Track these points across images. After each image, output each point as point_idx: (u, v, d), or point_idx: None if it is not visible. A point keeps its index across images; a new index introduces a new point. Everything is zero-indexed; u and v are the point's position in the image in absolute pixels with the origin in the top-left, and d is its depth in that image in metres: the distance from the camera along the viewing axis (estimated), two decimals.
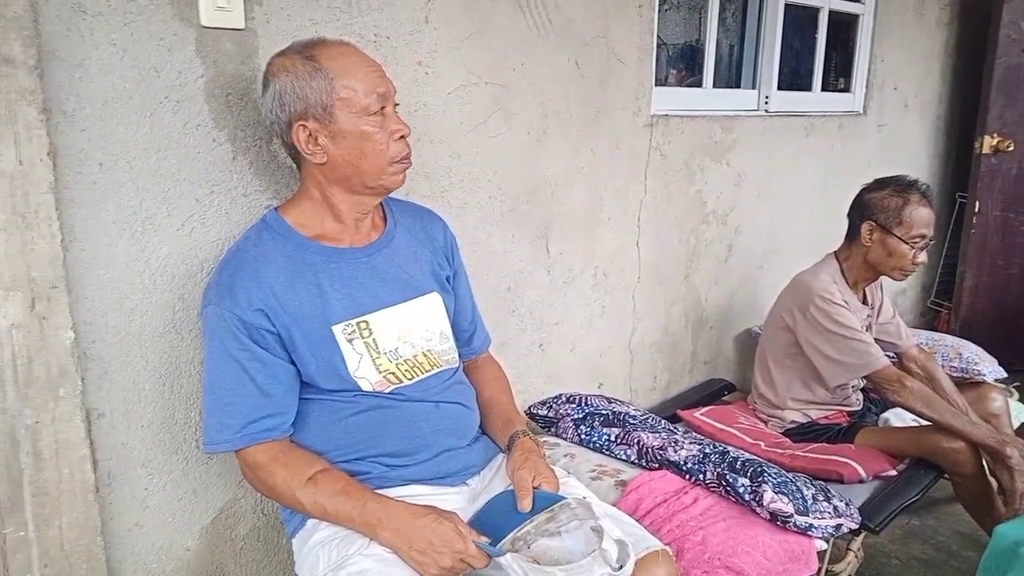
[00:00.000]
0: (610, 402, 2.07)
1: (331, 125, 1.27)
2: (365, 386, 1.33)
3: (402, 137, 1.32)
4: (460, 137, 1.82)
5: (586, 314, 2.32)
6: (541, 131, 2.01)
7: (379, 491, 1.30)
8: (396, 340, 1.37)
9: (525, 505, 1.26)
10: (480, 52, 1.80)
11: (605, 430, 1.92)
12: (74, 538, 1.30)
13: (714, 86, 2.65)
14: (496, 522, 1.27)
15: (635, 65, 2.21)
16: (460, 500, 1.38)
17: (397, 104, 1.34)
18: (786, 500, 1.62)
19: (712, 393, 2.71)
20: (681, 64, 3.13)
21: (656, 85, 2.32)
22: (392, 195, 1.43)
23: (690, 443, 1.84)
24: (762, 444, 2.17)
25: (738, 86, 2.93)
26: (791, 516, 1.60)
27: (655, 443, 1.84)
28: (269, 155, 1.47)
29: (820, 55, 3.07)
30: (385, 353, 1.35)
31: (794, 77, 3.07)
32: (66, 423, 1.26)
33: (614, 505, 1.61)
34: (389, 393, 1.36)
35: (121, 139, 1.28)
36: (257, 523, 1.61)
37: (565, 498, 1.27)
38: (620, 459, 1.87)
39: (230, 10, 1.34)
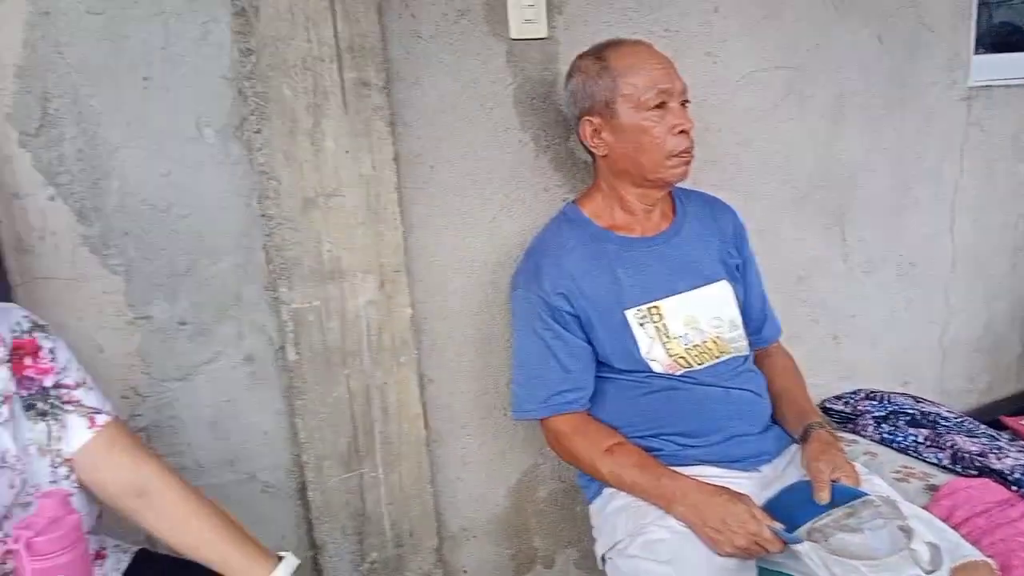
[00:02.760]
0: (918, 401, 1.83)
1: (612, 120, 1.30)
2: (656, 368, 1.33)
3: (682, 132, 1.30)
4: (749, 124, 1.73)
5: (888, 307, 2.08)
6: (837, 113, 1.83)
7: (672, 468, 1.29)
8: (685, 326, 1.35)
9: (823, 497, 1.16)
10: (772, 36, 1.70)
11: (912, 431, 1.71)
12: (410, 483, 1.48)
13: None
14: (790, 511, 1.18)
15: (949, 33, 1.93)
16: (751, 486, 1.31)
17: (688, 101, 1.31)
18: None
19: None
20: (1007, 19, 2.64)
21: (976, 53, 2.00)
22: (680, 185, 1.40)
23: (1017, 451, 1.57)
24: None
25: None
26: None
27: (972, 448, 1.59)
28: (567, 152, 1.54)
29: None
30: (675, 338, 1.34)
31: None
32: (405, 385, 1.43)
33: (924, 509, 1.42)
34: (680, 376, 1.34)
35: (447, 144, 1.42)
36: (555, 488, 1.68)
37: (867, 494, 1.15)
38: (929, 462, 1.65)
39: (536, 22, 1.42)
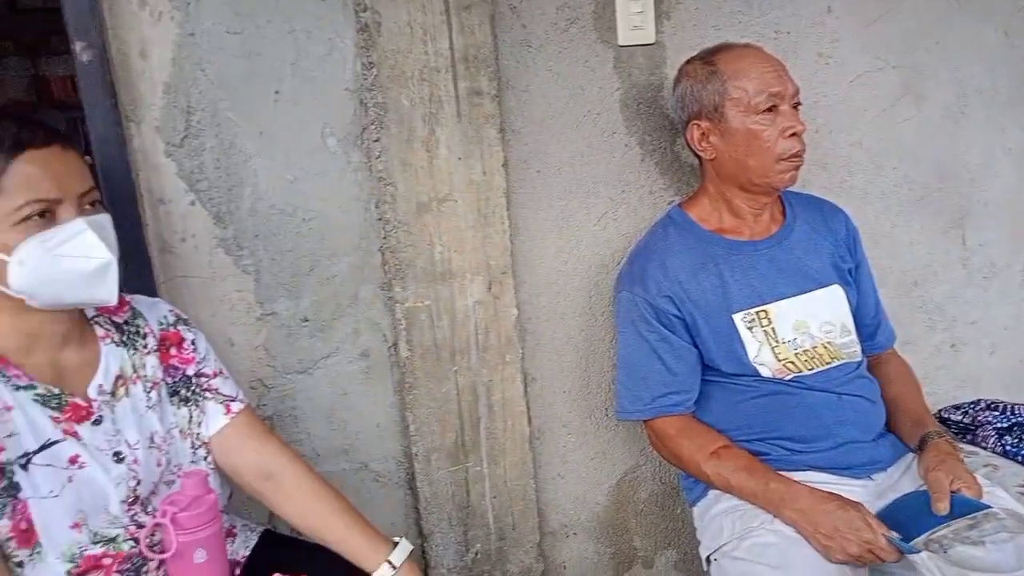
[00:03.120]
0: None
1: (721, 124, 1.29)
2: (764, 372, 1.31)
3: (794, 134, 1.27)
4: (862, 125, 1.67)
5: (1012, 313, 1.95)
6: (958, 112, 1.74)
7: (780, 473, 1.26)
8: (794, 331, 1.32)
9: (942, 508, 1.11)
10: (887, 35, 1.63)
11: None
12: (514, 478, 1.51)
13: None
14: (905, 521, 1.14)
15: None
16: (864, 494, 1.27)
17: (799, 104, 1.29)
18: None
19: None
20: None
21: None
22: (790, 188, 1.37)
23: None
24: None
25: None
26: None
27: None
28: (672, 156, 1.53)
29: None
30: (784, 342, 1.31)
31: None
32: (510, 383, 1.46)
33: None
34: (789, 380, 1.31)
35: (554, 150, 1.44)
36: (656, 489, 1.68)
37: (991, 507, 1.10)
38: None
39: (644, 28, 1.42)
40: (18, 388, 0.92)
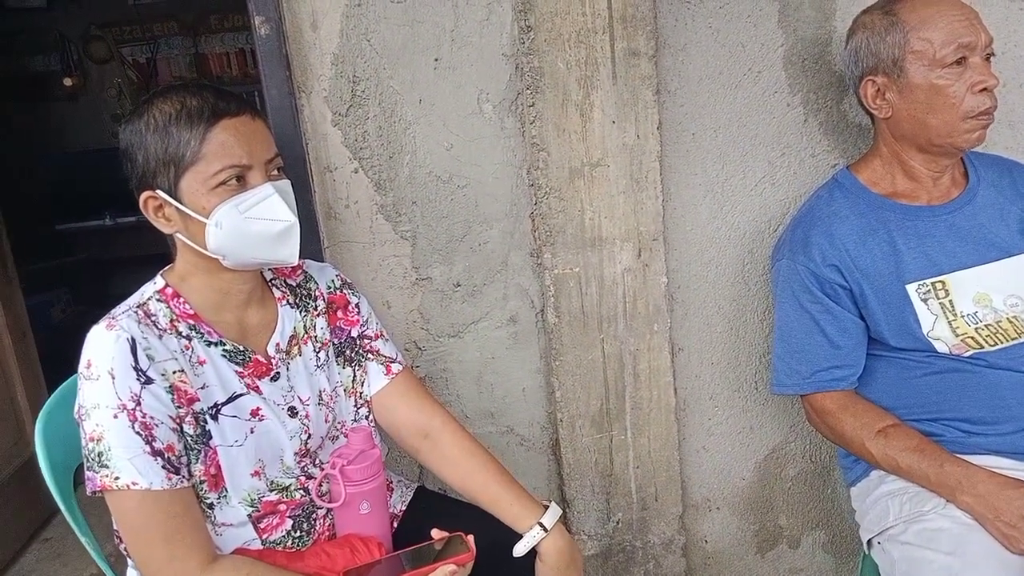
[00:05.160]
0: None
1: (900, 79, 1.23)
2: (940, 348, 1.26)
3: (984, 90, 1.20)
4: None
5: None
6: None
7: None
8: (975, 304, 1.26)
9: None
10: None
11: None
12: (657, 448, 1.54)
13: None
14: None
15: None
16: None
17: (992, 55, 1.21)
18: None
19: None
20: None
21: None
22: (975, 149, 1.30)
23: None
24: None
25: None
26: None
27: None
28: (839, 115, 1.48)
29: None
30: (963, 316, 1.26)
31: None
32: (656, 353, 1.49)
33: None
34: (968, 357, 1.25)
35: (710, 111, 1.43)
36: (805, 468, 1.66)
37: None
38: None
39: None
40: (210, 344, 1.03)
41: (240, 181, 0.99)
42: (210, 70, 4.18)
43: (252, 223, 0.99)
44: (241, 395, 1.04)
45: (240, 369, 1.05)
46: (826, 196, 1.36)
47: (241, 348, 1.06)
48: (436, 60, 1.31)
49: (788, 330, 1.35)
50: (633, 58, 1.32)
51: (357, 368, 1.19)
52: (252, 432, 1.04)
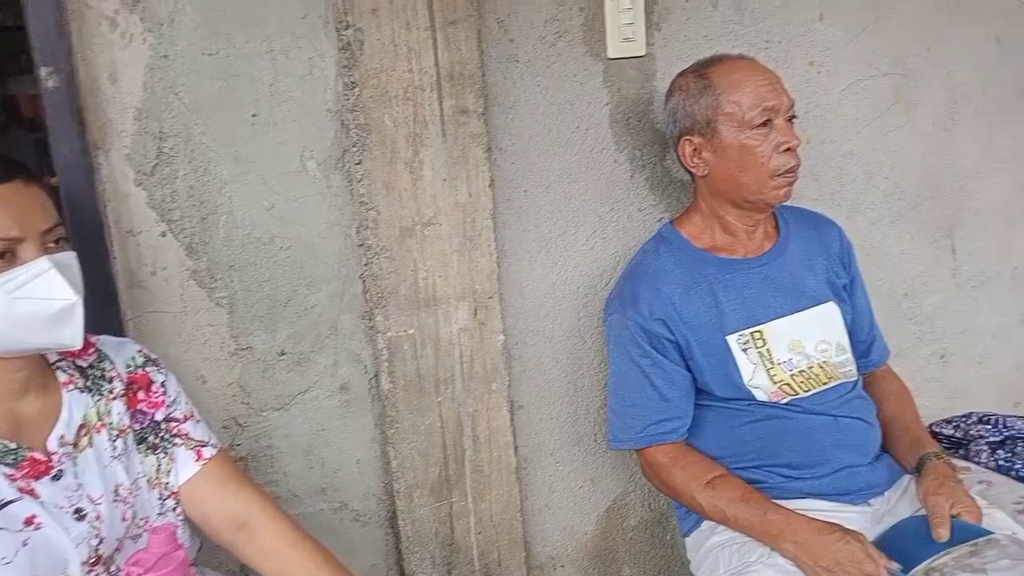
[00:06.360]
0: None
1: (714, 139, 1.35)
2: (760, 396, 1.38)
3: (788, 149, 1.34)
4: (853, 135, 1.77)
5: (999, 322, 2.08)
6: (948, 119, 1.86)
7: (777, 502, 1.35)
8: (790, 351, 1.40)
9: (942, 534, 1.20)
10: (878, 42, 1.73)
11: None
12: (499, 511, 1.57)
13: None
14: (905, 548, 1.23)
15: None
16: (862, 520, 1.36)
17: (795, 117, 1.36)
18: None
19: None
20: None
21: None
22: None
23: None
24: None
25: None
26: None
27: None
28: (663, 171, 1.60)
29: None
30: (779, 364, 1.39)
31: None
32: (496, 413, 1.52)
33: None
34: (785, 404, 1.39)
35: (542, 168, 1.51)
36: (645, 516, 1.76)
37: (992, 532, 1.20)
38: None
39: (634, 40, 1.49)
40: None
41: (8, 256, 0.91)
42: (21, 113, 3.81)
43: (22, 303, 0.91)
44: (11, 502, 0.93)
45: (11, 471, 0.94)
46: (652, 251, 1.46)
47: (13, 446, 0.95)
48: (254, 116, 1.28)
49: (621, 384, 1.43)
50: (462, 116, 1.36)
51: (163, 456, 1.11)
52: (24, 545, 0.93)
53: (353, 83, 1.29)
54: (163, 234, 1.28)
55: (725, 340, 1.38)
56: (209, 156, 1.27)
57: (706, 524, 1.41)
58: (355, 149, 1.32)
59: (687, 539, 1.48)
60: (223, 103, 1.26)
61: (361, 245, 1.38)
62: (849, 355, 1.45)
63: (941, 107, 1.84)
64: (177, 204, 1.27)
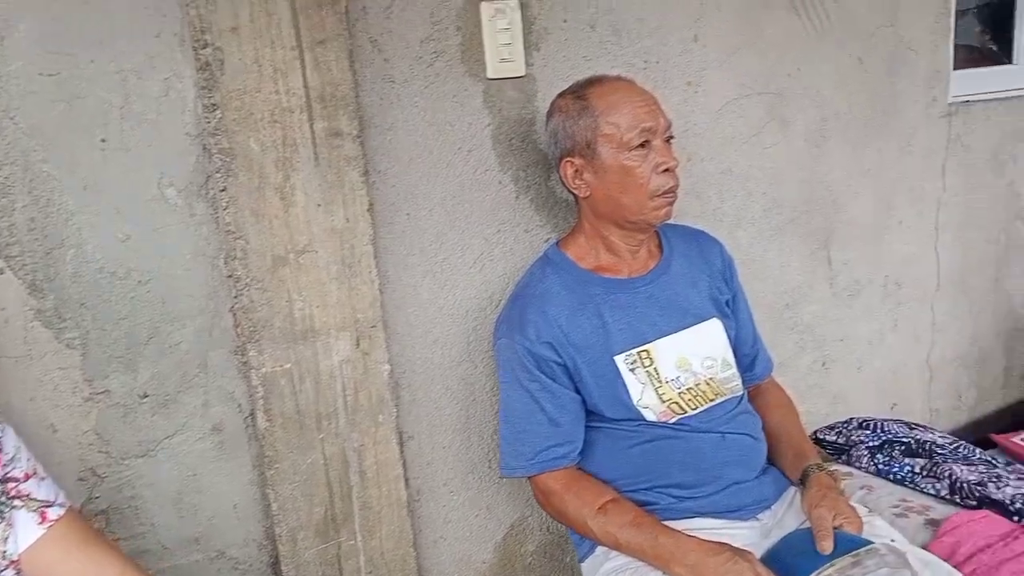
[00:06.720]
0: (911, 428, 1.93)
1: (594, 161, 1.36)
2: (649, 416, 1.39)
3: (667, 170, 1.35)
4: (731, 152, 1.82)
5: (875, 328, 2.19)
6: (819, 136, 1.94)
7: (668, 523, 1.34)
8: (677, 369, 1.41)
9: (825, 547, 1.23)
10: (751, 62, 1.79)
11: (907, 460, 1.80)
12: (391, 548, 1.51)
13: None
14: (791, 562, 1.25)
15: (928, 51, 2.05)
16: (751, 535, 1.39)
17: (672, 137, 1.38)
18: None
19: None
20: (982, 31, 2.81)
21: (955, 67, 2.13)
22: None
23: (1016, 479, 1.68)
24: None
25: None
26: None
27: (971, 477, 1.70)
28: (548, 191, 1.60)
29: None
30: (667, 382, 1.40)
31: None
32: (384, 446, 1.47)
33: (926, 548, 1.51)
34: (674, 424, 1.40)
35: (424, 190, 1.47)
36: (544, 540, 1.74)
37: (872, 542, 1.23)
38: (927, 493, 1.75)
39: (513, 60, 1.48)
40: None
41: None
42: None
43: None
44: None
45: None
46: (539, 273, 1.45)
47: None
48: (103, 141, 1.19)
49: (511, 410, 1.41)
50: (336, 138, 1.31)
51: (0, 521, 1.01)
52: None
53: (214, 105, 1.22)
54: (0, 271, 1.16)
55: (613, 361, 1.38)
56: (52, 185, 1.17)
57: (600, 549, 1.40)
58: (219, 175, 1.25)
59: (583, 564, 1.47)
60: (67, 127, 1.16)
61: (230, 276, 1.30)
62: (734, 370, 1.47)
63: (812, 125, 1.92)
64: (16, 238, 1.16)
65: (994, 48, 2.49)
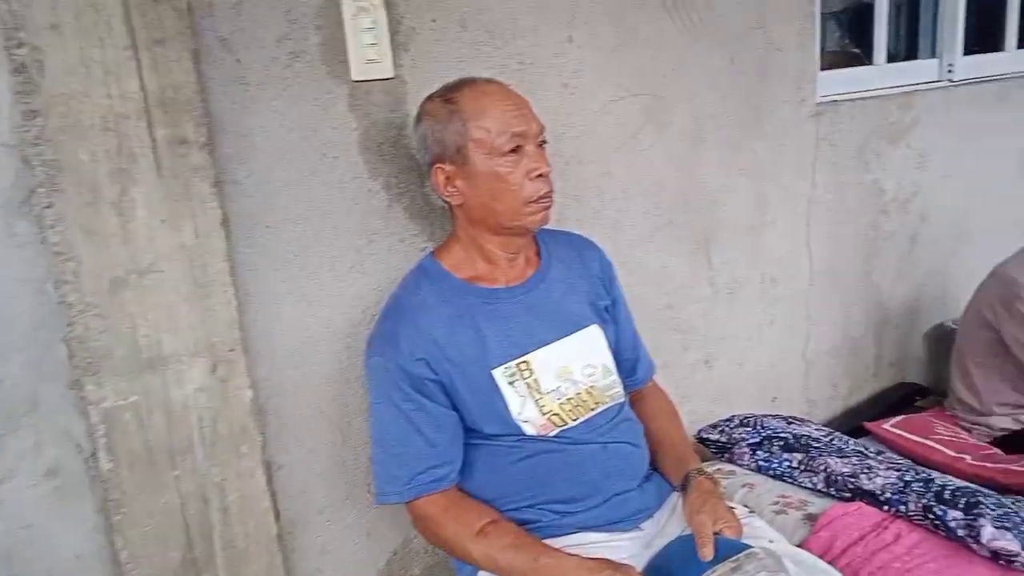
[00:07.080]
0: (789, 423, 1.99)
1: (465, 167, 1.31)
2: (529, 430, 1.35)
3: (540, 176, 1.32)
4: (610, 154, 1.81)
5: (754, 325, 2.25)
6: (696, 137, 1.96)
7: (551, 540, 1.32)
8: (557, 379, 1.38)
9: (706, 554, 1.23)
10: (627, 64, 1.78)
11: (786, 455, 1.85)
12: None
13: (888, 60, 2.48)
14: (674, 570, 1.26)
15: (796, 52, 2.11)
16: (634, 546, 1.37)
17: (545, 142, 1.35)
18: (1010, 536, 1.48)
19: (902, 399, 2.57)
20: (845, 34, 2.94)
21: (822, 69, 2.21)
22: (545, 226, 1.43)
23: (886, 468, 1.74)
24: (967, 458, 2.02)
25: (914, 56, 2.72)
26: (1018, 555, 1.47)
27: (844, 470, 1.75)
28: (423, 199, 1.53)
29: (1014, 4, 2.79)
30: (547, 393, 1.37)
31: (981, 37, 2.81)
32: (248, 478, 1.37)
33: (804, 544, 1.55)
34: (554, 437, 1.37)
35: (286, 201, 1.37)
36: (430, 562, 1.68)
37: (751, 546, 1.24)
38: (805, 487, 1.79)
39: (380, 62, 1.40)
40: None
41: None
42: None
43: None
44: None
45: None
46: (412, 285, 1.39)
47: None
48: None
49: (384, 432, 1.34)
50: (181, 147, 1.20)
51: None
52: None
53: (34, 112, 1.08)
54: None
55: (491, 375, 1.34)
56: None
57: (482, 573, 1.35)
58: (44, 189, 1.11)
59: None
60: None
61: (61, 302, 1.17)
62: (615, 377, 1.46)
63: (688, 126, 1.94)
64: None
65: (856, 51, 2.62)
